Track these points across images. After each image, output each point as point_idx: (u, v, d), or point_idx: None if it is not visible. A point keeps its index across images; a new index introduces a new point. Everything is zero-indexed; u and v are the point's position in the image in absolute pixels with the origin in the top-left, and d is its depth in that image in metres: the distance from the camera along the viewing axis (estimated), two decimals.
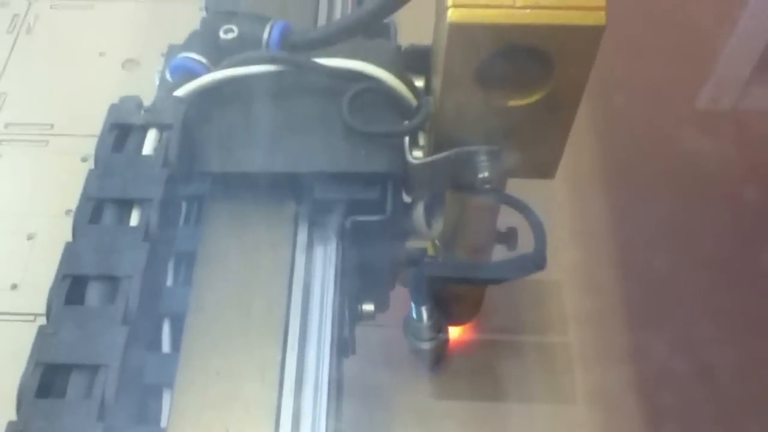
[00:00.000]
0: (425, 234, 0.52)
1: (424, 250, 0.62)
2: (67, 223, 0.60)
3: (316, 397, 0.42)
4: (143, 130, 0.44)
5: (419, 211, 0.50)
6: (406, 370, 0.71)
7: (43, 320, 0.55)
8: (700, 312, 0.74)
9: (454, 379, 0.72)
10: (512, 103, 0.43)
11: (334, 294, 0.46)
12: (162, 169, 0.42)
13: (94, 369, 0.37)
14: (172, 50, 0.50)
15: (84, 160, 0.65)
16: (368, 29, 0.49)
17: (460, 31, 0.40)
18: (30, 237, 0.60)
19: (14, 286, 0.60)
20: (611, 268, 0.77)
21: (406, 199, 0.52)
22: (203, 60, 0.47)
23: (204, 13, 0.56)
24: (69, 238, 0.58)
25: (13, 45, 0.80)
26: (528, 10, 0.39)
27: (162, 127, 0.44)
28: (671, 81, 0.91)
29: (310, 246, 0.47)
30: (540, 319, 0.75)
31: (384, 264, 0.51)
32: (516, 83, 0.43)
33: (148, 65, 0.70)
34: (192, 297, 0.44)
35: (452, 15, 0.39)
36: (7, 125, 0.74)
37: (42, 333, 0.38)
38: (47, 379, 0.37)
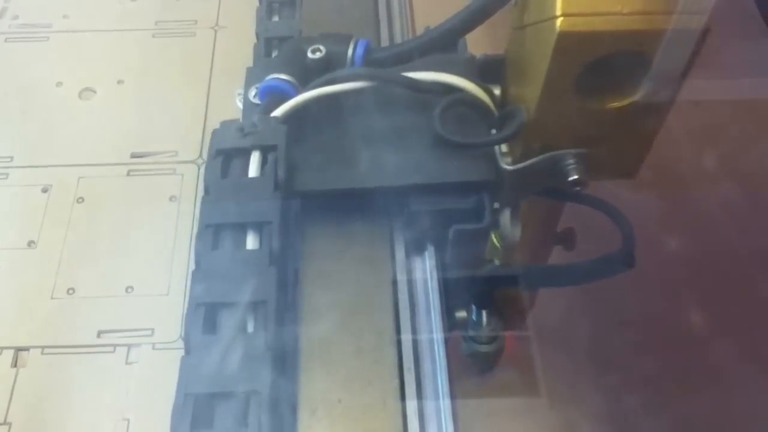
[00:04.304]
0: (510, 239, 0.52)
1: None
2: (30, 255, 0.59)
3: (440, 420, 0.42)
4: (247, 153, 0.44)
5: (506, 216, 0.51)
6: None
7: (9, 353, 0.54)
8: (627, 379, 0.67)
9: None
10: (607, 106, 0.45)
11: (441, 308, 0.46)
12: (276, 192, 0.42)
13: (245, 397, 0.36)
14: (251, 72, 0.50)
15: (44, 190, 0.64)
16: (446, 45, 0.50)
17: (568, 39, 0.40)
18: None
19: None
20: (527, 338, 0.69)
21: None
22: (292, 80, 0.47)
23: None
24: (32, 269, 0.57)
25: None
26: (635, 16, 0.40)
27: (265, 149, 0.44)
28: None
29: (409, 260, 0.47)
30: None
31: (474, 270, 0.52)
32: (612, 87, 0.44)
33: (104, 93, 0.71)
34: (301, 320, 0.44)
35: (562, 24, 0.40)
36: None
37: (186, 363, 0.37)
38: (198, 410, 0.36)
